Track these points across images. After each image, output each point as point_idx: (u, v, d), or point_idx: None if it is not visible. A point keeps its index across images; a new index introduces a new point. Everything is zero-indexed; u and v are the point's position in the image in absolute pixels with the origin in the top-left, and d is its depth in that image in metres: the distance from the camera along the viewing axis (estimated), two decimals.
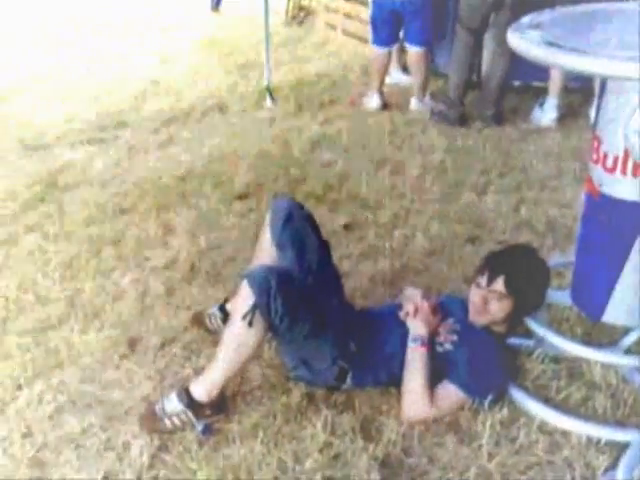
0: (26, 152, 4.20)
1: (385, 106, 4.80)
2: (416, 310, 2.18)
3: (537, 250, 2.33)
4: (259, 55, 5.27)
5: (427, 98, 4.73)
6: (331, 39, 6.75)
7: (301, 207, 2.37)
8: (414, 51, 4.66)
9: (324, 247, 2.34)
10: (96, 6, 7.89)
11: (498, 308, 2.12)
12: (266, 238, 2.33)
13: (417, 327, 2.15)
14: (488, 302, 2.12)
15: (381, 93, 4.83)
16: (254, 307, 1.93)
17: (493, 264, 2.17)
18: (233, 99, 5.09)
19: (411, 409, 2.05)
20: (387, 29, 4.68)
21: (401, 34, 4.81)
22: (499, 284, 2.10)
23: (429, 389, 2.05)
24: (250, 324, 1.94)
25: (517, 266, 2.15)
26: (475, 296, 2.16)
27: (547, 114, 4.44)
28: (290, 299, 1.95)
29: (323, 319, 2.07)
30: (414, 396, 2.05)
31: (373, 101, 4.81)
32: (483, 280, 2.14)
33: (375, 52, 4.82)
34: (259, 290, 1.94)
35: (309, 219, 2.34)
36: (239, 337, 1.98)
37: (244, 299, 1.96)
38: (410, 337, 2.14)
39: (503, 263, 2.17)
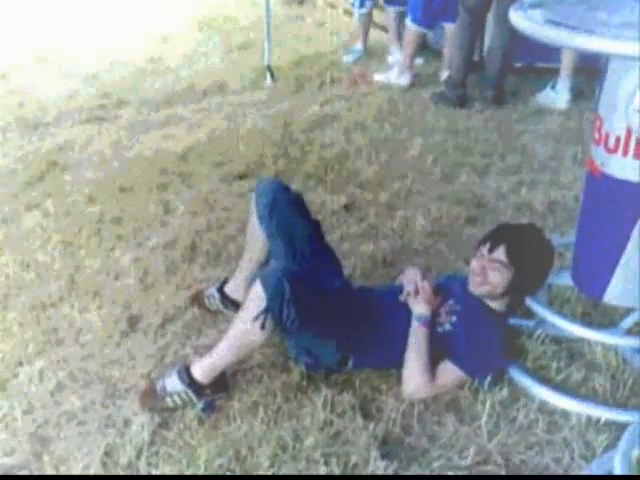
0: (26, 130, 4.18)
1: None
2: (417, 291, 2.18)
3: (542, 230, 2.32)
4: (259, 34, 5.24)
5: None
6: (332, 18, 6.69)
7: (286, 189, 2.35)
8: (451, 28, 4.60)
9: (314, 229, 2.33)
10: None
11: (497, 278, 2.10)
12: (254, 222, 2.33)
13: (419, 307, 2.15)
14: (488, 271, 2.11)
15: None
16: (266, 310, 1.91)
17: (496, 234, 2.18)
18: (233, 78, 5.05)
19: (411, 387, 2.06)
20: (438, 11, 4.63)
21: None
22: (500, 253, 2.09)
23: (430, 368, 2.06)
24: (262, 327, 1.92)
25: (520, 238, 2.15)
26: (475, 264, 2.15)
27: (561, 95, 4.38)
28: (302, 304, 1.92)
29: (331, 319, 2.07)
30: (415, 374, 2.06)
31: (405, 78, 4.75)
32: (485, 249, 2.13)
33: (416, 31, 4.71)
34: (273, 294, 1.91)
35: (296, 202, 2.33)
36: (247, 335, 1.97)
37: (256, 299, 1.94)
38: (413, 316, 2.13)
39: (506, 233, 2.18)
